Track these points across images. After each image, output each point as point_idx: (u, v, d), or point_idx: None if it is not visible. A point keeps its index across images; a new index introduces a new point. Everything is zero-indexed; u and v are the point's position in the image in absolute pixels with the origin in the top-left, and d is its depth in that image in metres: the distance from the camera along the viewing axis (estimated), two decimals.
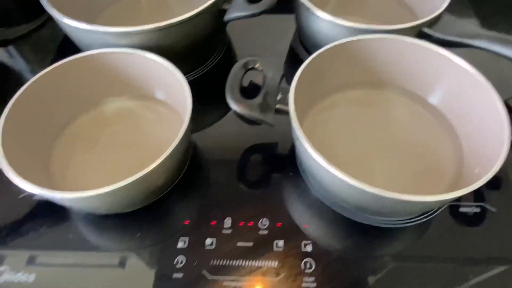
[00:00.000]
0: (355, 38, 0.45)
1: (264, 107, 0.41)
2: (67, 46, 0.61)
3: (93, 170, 0.44)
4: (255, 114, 0.40)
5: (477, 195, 0.44)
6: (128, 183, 0.35)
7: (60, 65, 0.45)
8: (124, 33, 0.44)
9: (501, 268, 0.39)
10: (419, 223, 0.42)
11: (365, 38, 0.45)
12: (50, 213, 0.43)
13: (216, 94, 0.54)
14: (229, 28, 0.62)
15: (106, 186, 0.34)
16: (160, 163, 0.36)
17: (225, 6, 0.50)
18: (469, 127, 0.43)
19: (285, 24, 0.63)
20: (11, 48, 0.62)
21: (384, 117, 0.48)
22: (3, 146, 0.38)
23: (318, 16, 0.48)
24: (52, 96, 0.45)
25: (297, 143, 0.40)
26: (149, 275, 0.38)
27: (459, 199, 0.43)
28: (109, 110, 0.50)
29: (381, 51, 0.46)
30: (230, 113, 0.53)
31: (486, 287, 0.38)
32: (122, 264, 0.40)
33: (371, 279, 0.38)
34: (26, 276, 0.38)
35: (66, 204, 0.39)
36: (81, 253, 0.40)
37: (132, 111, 0.50)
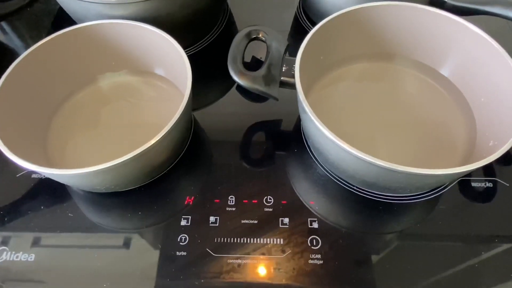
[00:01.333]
0: (362, 5, 0.42)
1: (268, 80, 0.39)
2: (62, 20, 0.59)
3: (91, 148, 0.43)
4: (259, 87, 0.38)
5: (489, 169, 0.42)
6: (127, 159, 0.34)
7: (54, 37, 0.43)
8: (120, 3, 0.42)
9: None
10: (428, 199, 0.40)
11: (373, 5, 0.43)
12: (49, 192, 0.42)
13: (218, 70, 0.52)
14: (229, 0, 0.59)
15: (105, 163, 0.33)
16: (159, 139, 0.35)
17: None
18: (483, 98, 0.41)
19: None
20: (3, 23, 0.60)
21: (393, 90, 0.46)
22: None
23: None
24: (47, 71, 0.44)
25: (303, 116, 0.38)
26: (152, 253, 0.38)
27: (470, 174, 0.42)
28: (107, 86, 0.48)
29: (390, 19, 0.44)
30: (232, 90, 0.51)
31: (499, 265, 0.37)
32: (125, 243, 0.39)
33: (378, 256, 0.37)
34: (27, 256, 0.38)
35: (65, 181, 0.38)
36: (81, 233, 0.39)
37: (131, 87, 0.48)
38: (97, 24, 0.44)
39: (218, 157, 0.45)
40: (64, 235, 0.39)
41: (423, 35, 0.44)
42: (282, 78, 0.39)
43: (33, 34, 0.58)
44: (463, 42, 0.42)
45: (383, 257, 0.37)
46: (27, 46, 0.56)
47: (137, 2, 0.42)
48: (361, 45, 0.46)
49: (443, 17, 0.42)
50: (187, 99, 0.37)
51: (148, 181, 0.42)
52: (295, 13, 0.59)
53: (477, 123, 0.41)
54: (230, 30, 0.58)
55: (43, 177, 0.42)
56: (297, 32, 0.57)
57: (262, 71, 0.39)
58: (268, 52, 0.40)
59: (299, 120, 0.47)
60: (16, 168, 0.42)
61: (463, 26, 0.41)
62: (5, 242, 0.38)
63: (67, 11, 0.49)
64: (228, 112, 0.49)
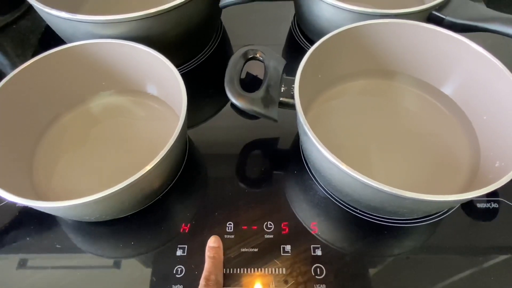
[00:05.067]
0: (361, 23, 0.41)
1: (267, 101, 0.37)
2: (49, 38, 0.57)
3: (81, 174, 0.41)
4: (258, 109, 0.37)
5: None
6: (120, 189, 0.32)
7: (41, 58, 0.41)
8: (110, 22, 0.40)
9: None
10: (434, 221, 0.39)
11: (372, 23, 0.42)
12: (35, 221, 0.39)
13: (211, 87, 0.51)
14: (223, 16, 0.58)
15: (94, 194, 0.31)
16: (154, 165, 0.33)
17: None
18: (486, 117, 0.40)
19: (283, 9, 0.59)
20: None
21: (394, 108, 0.45)
22: None
23: (320, 0, 0.45)
24: (33, 93, 0.42)
25: (303, 138, 0.37)
26: (146, 286, 0.35)
27: None
28: (96, 107, 0.46)
29: (389, 37, 0.43)
30: (227, 107, 0.49)
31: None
32: (116, 275, 0.36)
33: (386, 283, 0.36)
34: None
35: (52, 212, 0.36)
36: (69, 268, 0.37)
37: (121, 108, 0.46)
38: (87, 43, 0.42)
39: (215, 180, 0.43)
40: (52, 269, 0.37)
41: (423, 53, 0.43)
42: (281, 99, 0.38)
43: (18, 53, 0.56)
44: (464, 60, 0.41)
45: (390, 283, 0.36)
46: (13, 64, 0.55)
47: (128, 21, 0.40)
48: (361, 62, 0.45)
49: (443, 35, 0.41)
50: (183, 120, 0.36)
51: (141, 208, 0.39)
52: (290, 28, 0.58)
53: (480, 142, 0.40)
54: (224, 46, 0.57)
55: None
56: (292, 47, 0.56)
57: (261, 92, 0.37)
58: (266, 72, 0.38)
59: (297, 137, 0.45)
60: None
61: (463, 44, 0.40)
62: None
63: (55, 30, 0.47)
64: (223, 130, 0.47)
